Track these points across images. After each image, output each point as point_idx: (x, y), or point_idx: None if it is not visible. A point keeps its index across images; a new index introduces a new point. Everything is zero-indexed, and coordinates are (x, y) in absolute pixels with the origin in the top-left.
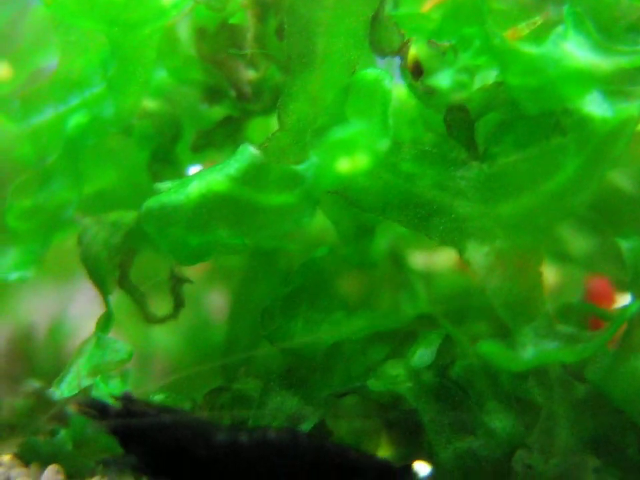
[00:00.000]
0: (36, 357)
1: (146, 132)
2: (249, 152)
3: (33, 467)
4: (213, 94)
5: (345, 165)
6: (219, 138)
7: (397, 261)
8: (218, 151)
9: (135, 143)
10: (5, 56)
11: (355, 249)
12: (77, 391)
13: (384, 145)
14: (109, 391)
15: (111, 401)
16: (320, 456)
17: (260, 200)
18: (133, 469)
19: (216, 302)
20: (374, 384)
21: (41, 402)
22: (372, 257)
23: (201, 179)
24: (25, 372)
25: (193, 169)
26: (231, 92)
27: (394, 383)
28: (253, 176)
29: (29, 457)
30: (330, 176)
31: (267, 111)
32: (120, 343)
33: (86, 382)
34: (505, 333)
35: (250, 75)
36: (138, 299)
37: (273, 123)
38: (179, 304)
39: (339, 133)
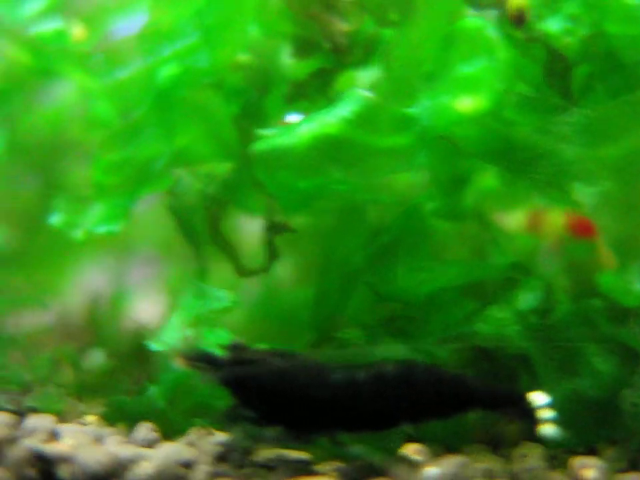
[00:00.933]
0: (98, 327)
1: (235, 85)
2: (361, 95)
3: (121, 427)
4: (305, 46)
5: (466, 104)
6: (312, 90)
7: (480, 217)
8: (310, 104)
9: (223, 96)
10: (80, 16)
11: (447, 200)
12: (177, 343)
13: (501, 86)
14: (215, 340)
15: (219, 351)
16: (437, 385)
17: (373, 142)
18: (246, 420)
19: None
20: (482, 327)
21: (125, 362)
22: (462, 209)
23: (312, 121)
24: (89, 341)
25: (291, 118)
26: (325, 44)
27: (502, 326)
28: (366, 118)
29: (116, 416)
30: (449, 116)
31: (359, 64)
32: (221, 291)
33: (186, 333)
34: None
35: (344, 26)
36: (229, 252)
37: (360, 76)
38: (273, 256)
39: (462, 71)
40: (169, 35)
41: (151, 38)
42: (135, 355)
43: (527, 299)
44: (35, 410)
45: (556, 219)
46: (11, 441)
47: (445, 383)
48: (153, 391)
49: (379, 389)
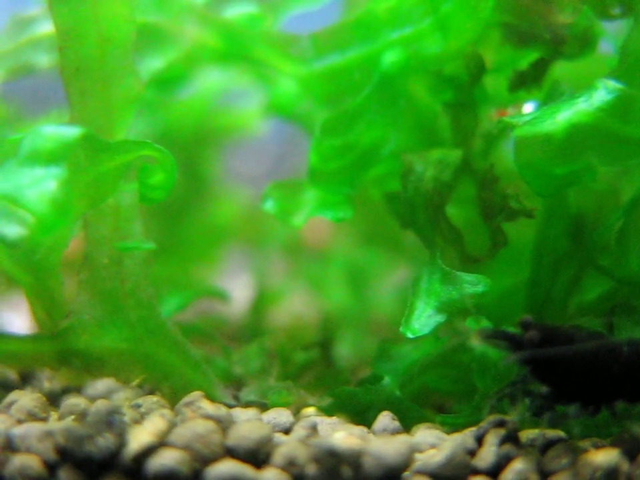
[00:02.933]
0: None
1: (449, 73)
2: (614, 85)
3: (342, 418)
4: (521, 36)
5: None
6: (530, 79)
7: None
8: (526, 92)
9: (435, 83)
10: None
11: None
12: (430, 329)
13: None
14: (475, 326)
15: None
16: None
17: (624, 131)
18: (537, 398)
19: None
20: None
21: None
22: None
23: (566, 109)
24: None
25: (528, 106)
26: (544, 35)
27: None
28: (619, 108)
29: (341, 407)
30: None
31: (573, 55)
32: (472, 275)
33: (438, 319)
34: None
35: (565, 18)
36: (454, 239)
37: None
38: (500, 242)
39: None
40: (390, 21)
41: (371, 23)
42: (321, 345)
43: None
44: (252, 404)
45: None
46: (269, 438)
47: None
48: (388, 379)
49: None
